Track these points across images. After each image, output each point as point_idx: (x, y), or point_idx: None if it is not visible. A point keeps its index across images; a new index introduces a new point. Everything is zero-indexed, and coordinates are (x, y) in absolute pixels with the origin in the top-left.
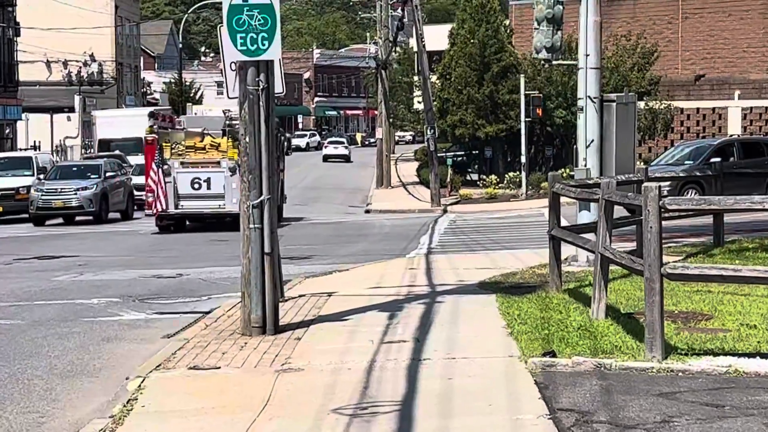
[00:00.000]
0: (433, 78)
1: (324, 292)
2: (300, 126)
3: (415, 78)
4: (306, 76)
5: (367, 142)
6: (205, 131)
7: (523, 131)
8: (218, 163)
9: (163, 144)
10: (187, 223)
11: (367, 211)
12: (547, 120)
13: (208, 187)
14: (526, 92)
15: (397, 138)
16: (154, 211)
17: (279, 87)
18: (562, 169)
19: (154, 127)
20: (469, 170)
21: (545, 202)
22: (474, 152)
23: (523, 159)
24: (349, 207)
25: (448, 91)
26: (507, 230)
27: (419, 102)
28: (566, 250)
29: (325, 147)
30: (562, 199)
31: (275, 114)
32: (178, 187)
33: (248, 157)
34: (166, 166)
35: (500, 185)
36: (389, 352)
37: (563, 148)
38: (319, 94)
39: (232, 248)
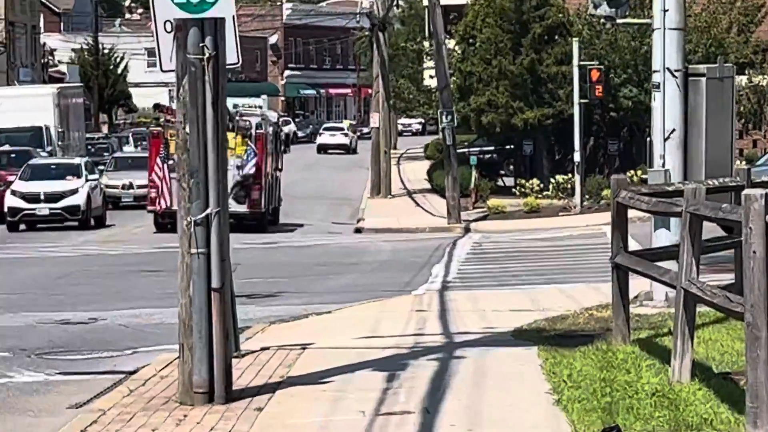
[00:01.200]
0: (451, 43)
1: (296, 344)
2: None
3: (426, 44)
4: (272, 40)
5: (358, 133)
6: None
7: (576, 118)
8: None
9: (169, 137)
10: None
11: (358, 230)
12: (611, 102)
13: None
14: (581, 63)
15: (400, 127)
16: (158, 209)
17: (233, 56)
18: (631, 171)
19: (161, 119)
20: (502, 172)
21: (607, 216)
22: (508, 147)
23: (576, 157)
24: (332, 224)
25: (472, 61)
26: (554, 257)
27: (431, 77)
28: (637, 285)
29: (320, 135)
30: (632, 213)
31: (227, 94)
32: None
33: (189, 154)
34: (171, 162)
35: (544, 193)
36: (387, 429)
37: (633, 142)
38: (290, 65)
39: (167, 282)
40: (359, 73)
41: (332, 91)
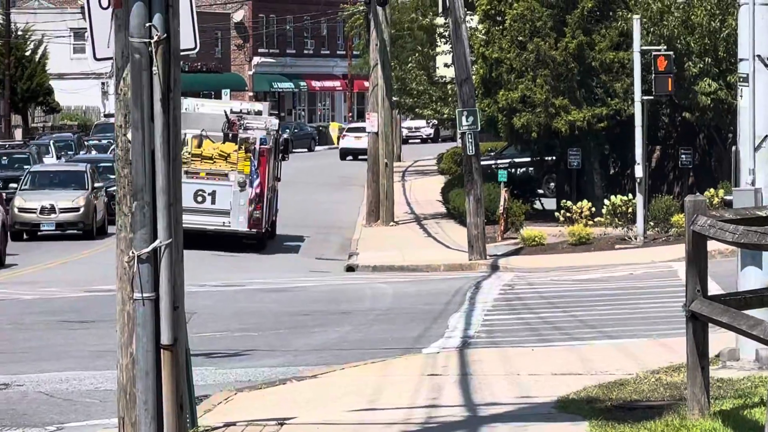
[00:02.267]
0: (473, 21)
1: (271, 419)
2: None
3: (439, 21)
4: (237, 17)
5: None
6: (204, 133)
7: (638, 119)
8: (226, 175)
9: None
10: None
11: (350, 268)
12: (684, 99)
13: (213, 202)
14: (645, 48)
15: (406, 132)
16: None
17: (189, 39)
18: (711, 191)
19: None
20: (540, 192)
21: (679, 250)
22: (548, 159)
23: (638, 171)
24: (316, 259)
25: (500, 45)
26: (609, 303)
27: (447, 65)
28: (718, 340)
29: (344, 137)
30: (711, 246)
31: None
32: None
33: (131, 168)
34: None
35: (596, 219)
36: None
37: (712, 151)
38: (261, 50)
39: (103, 336)
40: (351, 60)
41: (316, 84)
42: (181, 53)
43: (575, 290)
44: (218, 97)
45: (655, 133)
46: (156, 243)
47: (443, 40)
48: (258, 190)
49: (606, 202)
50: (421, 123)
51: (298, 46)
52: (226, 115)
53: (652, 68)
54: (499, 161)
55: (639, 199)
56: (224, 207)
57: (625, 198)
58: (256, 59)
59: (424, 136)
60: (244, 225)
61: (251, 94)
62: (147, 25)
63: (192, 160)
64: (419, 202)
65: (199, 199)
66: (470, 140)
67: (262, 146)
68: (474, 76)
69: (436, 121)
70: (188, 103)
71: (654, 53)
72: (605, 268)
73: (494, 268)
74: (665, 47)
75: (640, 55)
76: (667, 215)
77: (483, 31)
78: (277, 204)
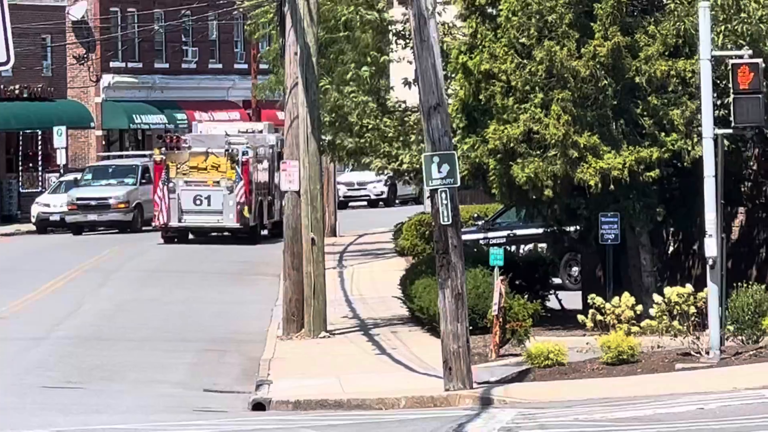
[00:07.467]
0: (448, 13)
1: None
2: (59, 157)
3: (395, 13)
4: (77, 13)
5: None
6: (209, 150)
7: (709, 166)
8: (218, 182)
9: (170, 164)
10: (191, 236)
11: (259, 405)
12: None
13: (209, 204)
14: (718, 53)
15: (344, 189)
16: (159, 224)
17: None
18: None
19: (162, 149)
20: (555, 281)
21: None
22: (569, 230)
23: (711, 247)
24: (204, 392)
25: (492, 50)
26: None
27: (408, 83)
28: None
29: None
30: None
31: None
32: (182, 203)
33: None
34: (171, 184)
35: (645, 324)
36: None
37: None
38: (114, 64)
39: None
40: (257, 78)
41: (201, 116)
42: None
43: None
44: (48, 141)
45: (735, 188)
46: None
47: (401, 42)
48: (243, 191)
49: (659, 297)
50: (368, 177)
51: (173, 57)
52: (226, 134)
53: (731, 84)
54: (491, 234)
55: (712, 291)
56: (217, 207)
57: (687, 290)
58: (107, 78)
59: (373, 196)
60: (233, 221)
61: (101, 133)
62: None
63: (190, 172)
64: (366, 300)
65: (197, 202)
66: (445, 202)
67: (244, 156)
68: (451, 101)
69: (390, 173)
70: (202, 127)
71: (732, 61)
72: (660, 401)
73: (485, 401)
74: (749, 51)
75: (710, 65)
76: (756, 316)
77: (467, 30)
78: (273, 207)
